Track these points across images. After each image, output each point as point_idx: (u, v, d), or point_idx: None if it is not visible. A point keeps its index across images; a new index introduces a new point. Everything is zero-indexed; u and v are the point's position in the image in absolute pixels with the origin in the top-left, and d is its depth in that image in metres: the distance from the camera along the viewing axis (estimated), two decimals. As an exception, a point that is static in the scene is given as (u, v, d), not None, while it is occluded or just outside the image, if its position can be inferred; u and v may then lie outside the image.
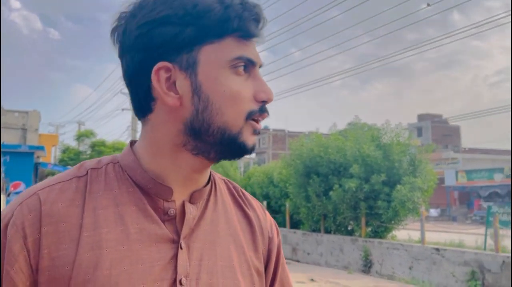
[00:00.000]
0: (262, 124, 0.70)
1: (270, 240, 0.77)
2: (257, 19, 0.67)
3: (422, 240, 9.31)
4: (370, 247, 10.25)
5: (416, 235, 10.34)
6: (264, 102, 0.67)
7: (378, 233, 10.73)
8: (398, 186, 9.97)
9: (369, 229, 10.77)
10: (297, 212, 12.87)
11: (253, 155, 53.15)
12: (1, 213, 0.64)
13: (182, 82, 0.65)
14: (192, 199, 0.69)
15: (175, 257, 0.65)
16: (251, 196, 0.81)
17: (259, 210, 0.79)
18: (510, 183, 30.41)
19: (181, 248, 0.66)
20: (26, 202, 0.63)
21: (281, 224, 14.40)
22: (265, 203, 14.77)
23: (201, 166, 0.69)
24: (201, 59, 0.65)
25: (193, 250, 0.67)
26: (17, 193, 24.16)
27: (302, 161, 12.04)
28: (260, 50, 0.70)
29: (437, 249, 8.79)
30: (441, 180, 35.18)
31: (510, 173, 31.20)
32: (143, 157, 0.69)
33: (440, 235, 12.72)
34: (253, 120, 0.67)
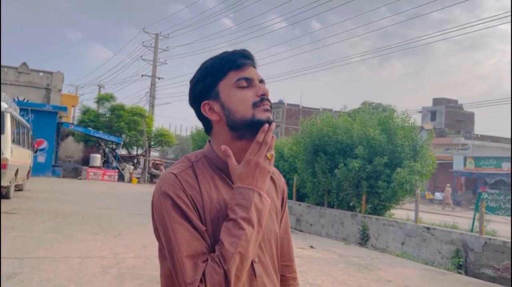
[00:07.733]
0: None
1: (284, 191, 1.27)
2: (244, 55, 1.12)
3: (415, 219, 10.12)
4: (368, 223, 11.11)
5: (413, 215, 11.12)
6: (263, 95, 1.09)
7: (377, 210, 11.53)
8: (398, 169, 10.71)
9: (369, 206, 11.55)
10: (303, 186, 13.70)
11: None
12: (156, 188, 1.08)
13: (216, 106, 1.11)
14: None
15: None
16: None
17: (277, 173, 1.28)
18: (516, 172, 30.78)
19: None
20: (169, 176, 1.07)
21: (288, 196, 15.09)
22: (274, 175, 15.59)
23: (246, 146, 1.09)
24: (220, 90, 1.11)
25: None
26: (41, 150, 25.30)
27: (311, 139, 12.78)
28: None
29: (428, 228, 9.60)
30: (450, 165, 35.65)
31: (517, 162, 31.41)
32: (218, 151, 1.13)
33: (438, 217, 13.49)
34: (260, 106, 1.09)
